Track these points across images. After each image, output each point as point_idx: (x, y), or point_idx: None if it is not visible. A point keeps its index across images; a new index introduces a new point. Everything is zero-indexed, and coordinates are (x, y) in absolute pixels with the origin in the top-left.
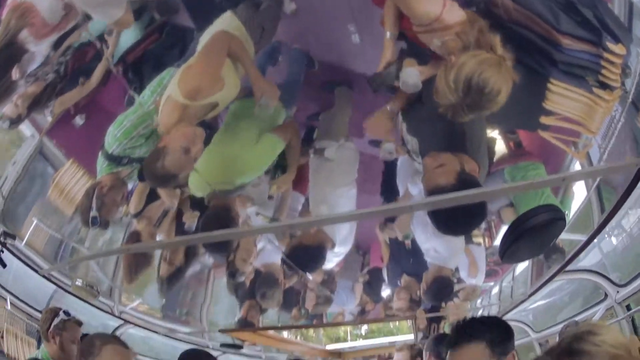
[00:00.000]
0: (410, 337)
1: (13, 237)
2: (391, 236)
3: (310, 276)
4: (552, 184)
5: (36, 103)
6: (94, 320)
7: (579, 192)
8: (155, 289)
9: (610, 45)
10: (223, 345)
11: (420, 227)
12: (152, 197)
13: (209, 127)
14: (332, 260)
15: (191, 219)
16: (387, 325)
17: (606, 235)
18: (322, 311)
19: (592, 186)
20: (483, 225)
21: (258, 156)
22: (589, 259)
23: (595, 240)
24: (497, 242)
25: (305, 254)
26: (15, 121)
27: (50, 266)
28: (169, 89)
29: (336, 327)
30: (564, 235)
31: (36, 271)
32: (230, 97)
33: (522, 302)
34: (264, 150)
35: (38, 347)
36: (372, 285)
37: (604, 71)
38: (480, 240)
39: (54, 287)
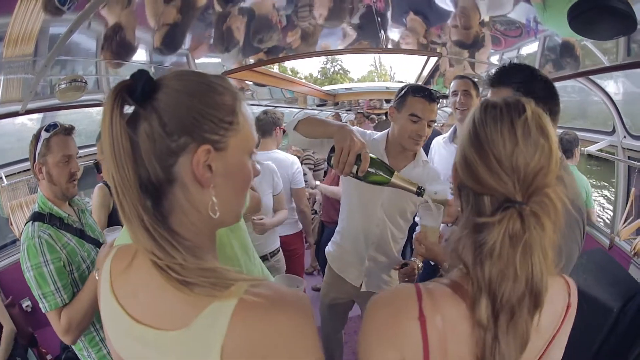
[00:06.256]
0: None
1: None
2: None
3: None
4: None
5: None
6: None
7: None
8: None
9: None
10: None
11: None
12: None
13: None
14: None
15: None
16: (371, 76)
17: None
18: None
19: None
20: None
21: None
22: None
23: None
24: (510, 14)
25: None
26: None
27: (26, 97)
28: None
29: (342, 76)
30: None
31: (17, 114)
32: None
33: None
34: None
35: None
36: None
37: None
38: None
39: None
